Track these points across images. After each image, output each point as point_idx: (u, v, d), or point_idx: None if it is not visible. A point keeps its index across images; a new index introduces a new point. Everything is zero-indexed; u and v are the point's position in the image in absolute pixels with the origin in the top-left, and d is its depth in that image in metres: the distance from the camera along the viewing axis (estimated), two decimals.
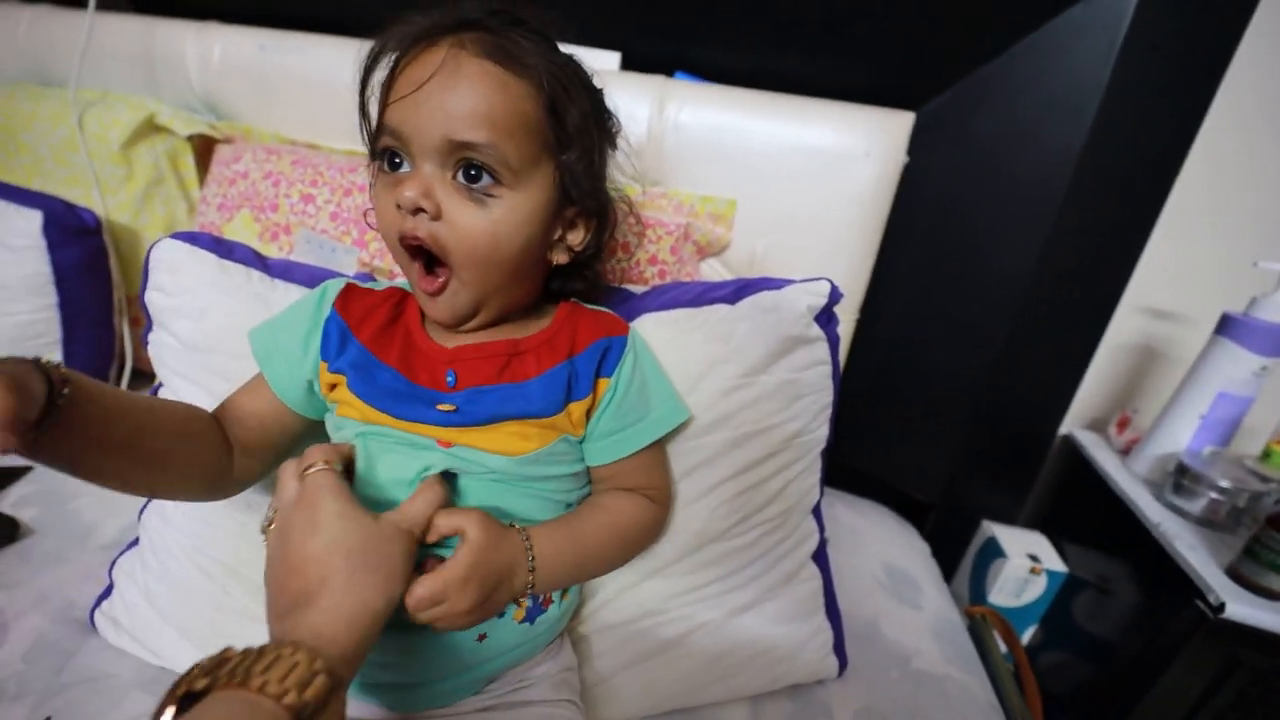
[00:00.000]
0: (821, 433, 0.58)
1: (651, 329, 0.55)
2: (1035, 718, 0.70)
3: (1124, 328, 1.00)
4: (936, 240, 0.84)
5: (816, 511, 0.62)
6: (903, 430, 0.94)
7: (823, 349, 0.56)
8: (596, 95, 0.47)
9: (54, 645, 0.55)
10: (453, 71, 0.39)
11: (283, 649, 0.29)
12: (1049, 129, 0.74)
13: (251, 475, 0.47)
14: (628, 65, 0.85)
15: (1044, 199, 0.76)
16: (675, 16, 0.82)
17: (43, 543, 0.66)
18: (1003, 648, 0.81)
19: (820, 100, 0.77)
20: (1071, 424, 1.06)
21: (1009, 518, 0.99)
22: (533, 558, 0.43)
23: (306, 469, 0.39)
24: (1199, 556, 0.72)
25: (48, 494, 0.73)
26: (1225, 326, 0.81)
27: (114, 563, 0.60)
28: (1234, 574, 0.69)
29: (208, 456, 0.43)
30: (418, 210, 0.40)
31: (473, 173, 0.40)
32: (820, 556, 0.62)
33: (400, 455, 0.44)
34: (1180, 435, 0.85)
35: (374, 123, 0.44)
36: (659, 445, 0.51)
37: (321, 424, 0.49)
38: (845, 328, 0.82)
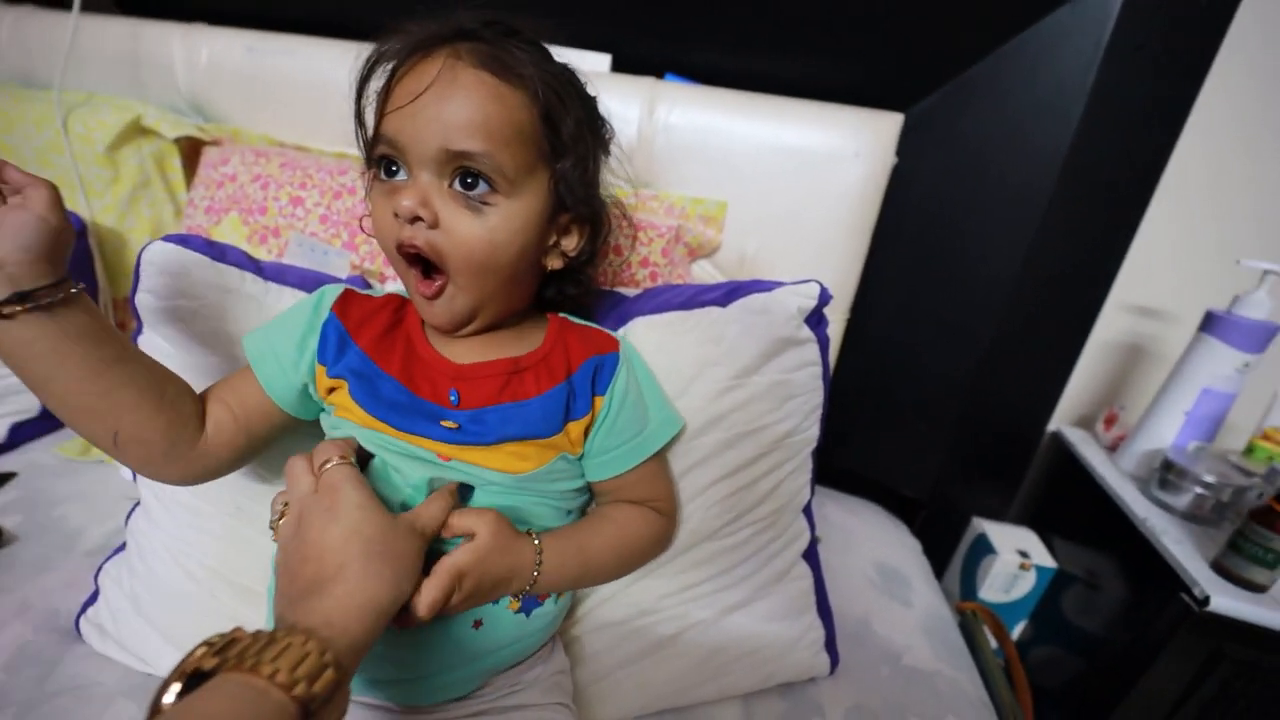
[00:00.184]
0: (812, 433, 0.58)
1: (644, 332, 0.55)
2: (1026, 712, 0.71)
3: (1110, 326, 1.01)
4: (925, 240, 0.84)
5: (807, 511, 0.62)
6: (893, 429, 0.94)
7: (813, 350, 0.56)
8: (590, 103, 0.48)
9: (37, 654, 0.54)
10: (449, 82, 0.39)
11: (294, 636, 0.29)
12: (1036, 130, 0.75)
13: (216, 459, 0.44)
14: (618, 67, 0.85)
15: (1031, 199, 0.77)
16: (665, 18, 0.83)
17: (26, 549, 0.65)
18: (993, 643, 0.81)
19: (810, 101, 0.77)
20: (1060, 421, 1.07)
21: (999, 514, 1.00)
22: (539, 565, 0.44)
23: (324, 464, 0.39)
24: (1184, 550, 0.73)
25: (31, 500, 0.72)
26: (1209, 324, 0.82)
27: (100, 568, 0.59)
28: (1218, 567, 0.70)
29: (172, 414, 0.41)
30: (415, 219, 0.41)
31: (469, 181, 0.41)
32: (811, 555, 0.63)
33: (397, 464, 0.44)
34: (1166, 431, 0.86)
35: (370, 130, 0.44)
36: (660, 456, 0.52)
37: (304, 422, 0.49)
38: (835, 328, 0.82)
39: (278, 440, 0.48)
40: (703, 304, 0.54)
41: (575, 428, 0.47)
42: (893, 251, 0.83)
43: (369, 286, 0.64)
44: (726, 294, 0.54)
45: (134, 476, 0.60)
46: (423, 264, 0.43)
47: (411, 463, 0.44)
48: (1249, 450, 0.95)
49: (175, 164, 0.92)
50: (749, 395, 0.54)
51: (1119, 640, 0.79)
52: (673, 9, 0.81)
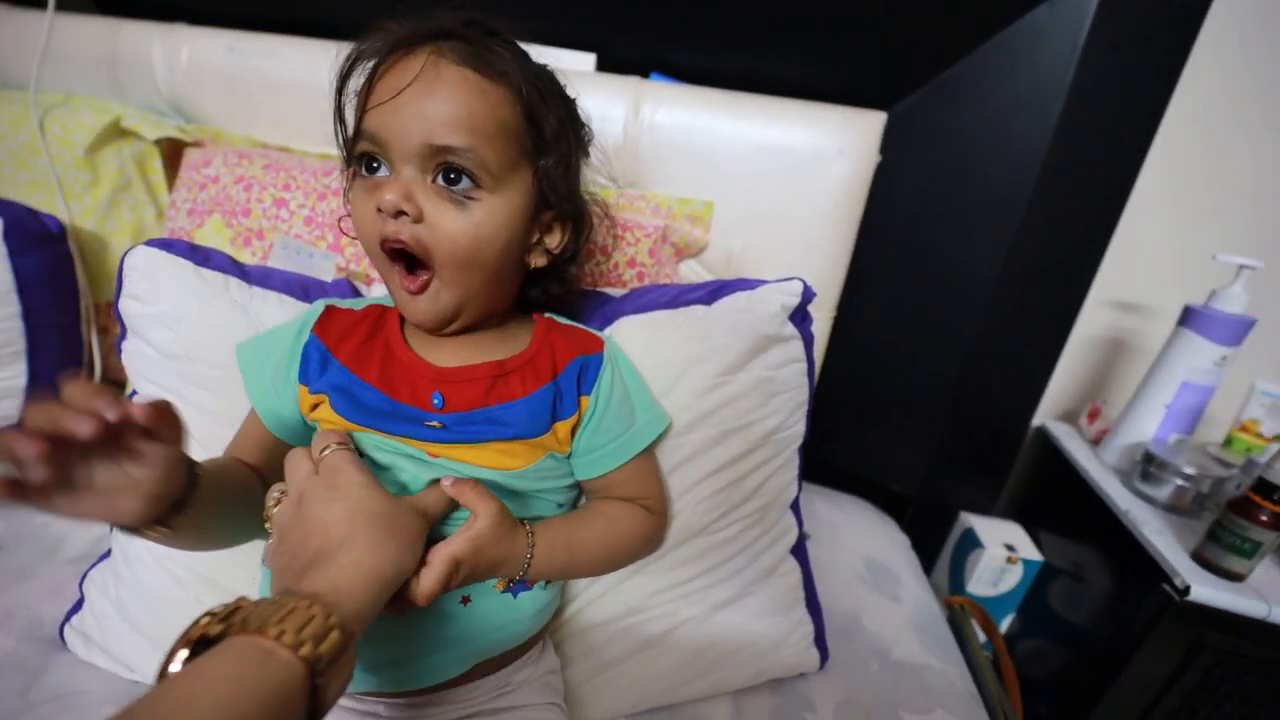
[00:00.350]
0: (798, 429, 0.59)
1: (630, 331, 0.55)
2: (1014, 705, 0.72)
3: (1092, 321, 1.03)
4: (910, 238, 0.85)
5: (795, 507, 0.63)
6: (881, 425, 0.95)
7: (797, 347, 0.57)
8: (570, 104, 0.48)
9: (20, 664, 0.53)
10: (432, 78, 0.39)
11: (299, 600, 0.30)
12: (1016, 128, 0.76)
13: None
14: (603, 66, 0.85)
15: (1012, 197, 0.78)
16: (650, 18, 0.83)
17: (8, 558, 0.64)
18: (982, 637, 0.82)
19: (794, 100, 0.78)
20: (1044, 416, 1.08)
21: (986, 509, 1.01)
22: (530, 557, 0.44)
23: (323, 449, 0.40)
24: (1165, 541, 0.74)
25: (12, 508, 0.71)
26: (1187, 318, 0.84)
27: (85, 575, 0.58)
28: (1198, 557, 0.71)
29: (256, 496, 0.45)
30: (399, 213, 0.40)
31: (452, 176, 0.41)
32: (799, 551, 0.63)
33: (390, 461, 0.44)
34: (1147, 424, 0.88)
35: (350, 128, 0.44)
36: (648, 454, 0.52)
37: None
38: (822, 325, 0.83)
39: None
40: (688, 303, 0.55)
41: (562, 427, 0.47)
42: (878, 249, 0.84)
43: (355, 290, 0.64)
44: (711, 293, 0.55)
45: None
46: (406, 260, 0.43)
47: (404, 460, 0.44)
48: (1227, 442, 0.97)
49: (156, 166, 0.91)
50: (735, 392, 0.54)
51: (1104, 631, 0.80)
52: (657, 9, 0.81)
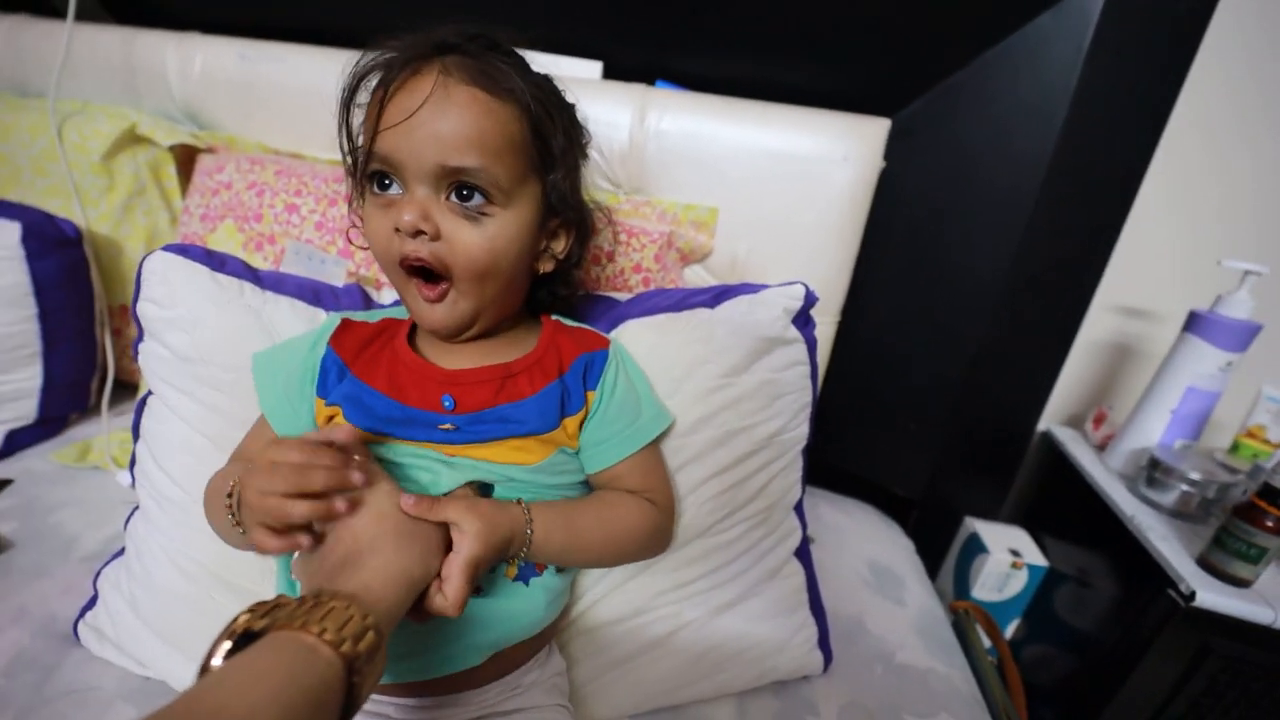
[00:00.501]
0: (801, 431, 0.59)
1: (635, 334, 0.56)
2: (1019, 710, 0.71)
3: (1098, 326, 1.03)
4: (915, 244, 0.86)
5: (799, 509, 0.63)
6: (886, 429, 0.95)
7: (800, 350, 0.57)
8: (570, 110, 0.50)
9: (35, 659, 0.54)
10: (442, 99, 0.40)
11: (337, 600, 0.31)
12: (1021, 133, 0.76)
13: None
14: (609, 74, 0.87)
15: (1017, 202, 0.78)
16: (656, 26, 0.84)
17: (23, 556, 0.65)
18: (987, 642, 0.82)
19: (799, 107, 0.78)
20: (1050, 421, 1.08)
21: (991, 513, 1.01)
22: (530, 528, 0.44)
23: None
24: (1171, 547, 0.74)
25: (27, 507, 0.72)
26: (1192, 323, 0.84)
27: (99, 573, 0.59)
28: (1204, 563, 0.71)
29: None
30: (418, 233, 0.42)
31: (465, 193, 0.42)
32: (803, 553, 0.64)
33: (405, 467, 0.45)
34: (1152, 430, 0.87)
35: (357, 142, 0.45)
36: (653, 451, 0.52)
37: None
38: (827, 330, 0.83)
39: None
40: (692, 306, 0.55)
41: (571, 423, 0.48)
42: (883, 254, 0.85)
43: (365, 295, 0.65)
44: (715, 296, 0.55)
45: (132, 483, 0.60)
46: (424, 272, 0.44)
47: (423, 460, 0.45)
48: (1234, 448, 0.96)
49: (170, 172, 0.93)
50: (739, 394, 0.55)
51: (1109, 637, 0.79)
52: (663, 17, 0.82)
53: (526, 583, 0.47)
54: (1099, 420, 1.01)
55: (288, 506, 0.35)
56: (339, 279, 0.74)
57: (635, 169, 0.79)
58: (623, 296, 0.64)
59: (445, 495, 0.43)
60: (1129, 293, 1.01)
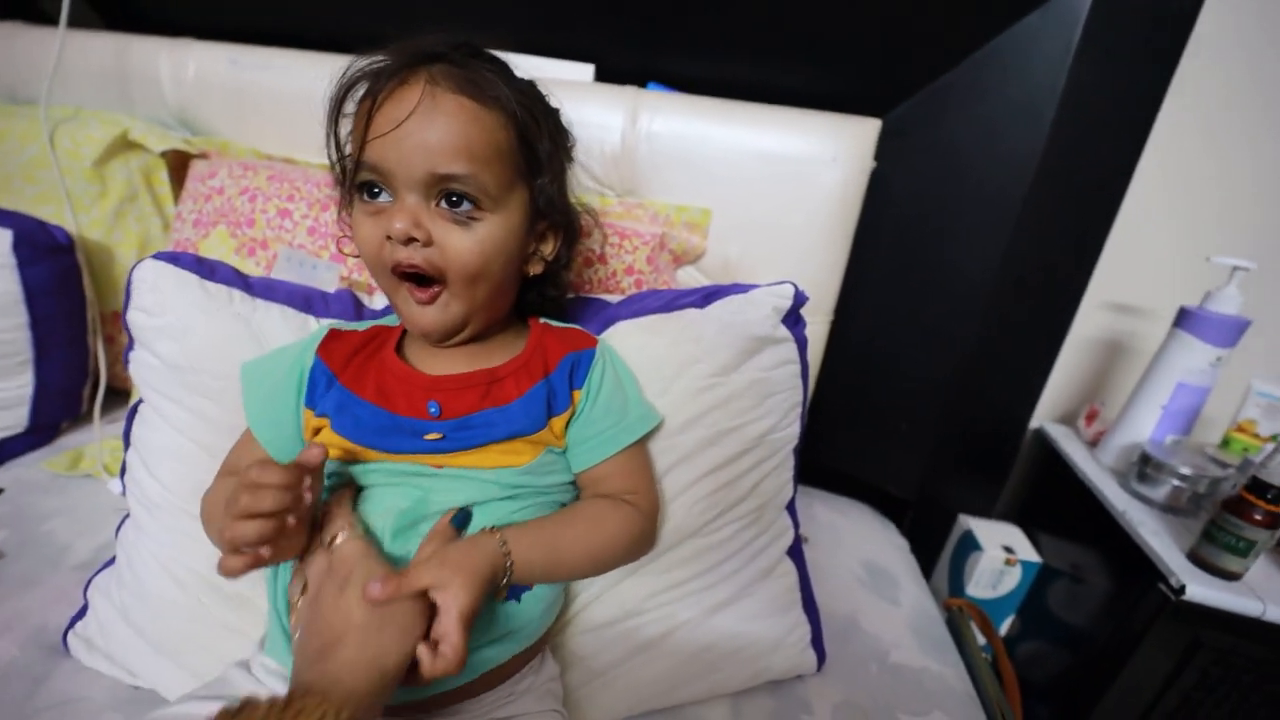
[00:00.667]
0: (792, 430, 0.60)
1: (626, 334, 0.56)
2: (1014, 707, 0.72)
3: (1089, 323, 1.03)
4: (906, 243, 0.86)
5: (791, 508, 0.63)
6: (879, 428, 0.96)
7: (790, 349, 0.57)
8: (555, 114, 0.50)
9: (24, 670, 0.54)
10: (430, 108, 0.41)
11: (309, 699, 0.32)
12: (1010, 133, 0.77)
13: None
14: (601, 76, 0.87)
15: (1007, 201, 0.79)
16: (647, 28, 0.84)
17: (13, 565, 0.65)
18: (981, 639, 0.83)
19: (790, 108, 0.79)
20: (1042, 418, 1.09)
21: (985, 511, 1.01)
22: (510, 562, 0.43)
23: (332, 540, 0.41)
24: (1161, 542, 0.75)
25: (18, 515, 0.72)
26: (1182, 320, 0.84)
27: (89, 582, 0.59)
28: (1194, 557, 0.72)
29: None
30: (410, 240, 0.42)
31: (454, 199, 0.43)
32: (795, 552, 0.64)
33: (393, 486, 0.45)
34: (1144, 425, 0.88)
35: (344, 151, 0.46)
36: (639, 451, 0.52)
37: None
38: (819, 329, 0.83)
39: None
40: (682, 306, 0.56)
41: (558, 422, 0.48)
42: (874, 254, 0.85)
43: (357, 300, 0.65)
44: (705, 297, 0.56)
45: (123, 490, 0.60)
46: (416, 277, 0.44)
47: (410, 477, 0.45)
48: (1224, 443, 0.97)
49: (163, 177, 0.92)
50: (729, 393, 0.55)
51: (1102, 632, 0.80)
52: (654, 19, 0.82)
53: (518, 599, 0.47)
54: (1091, 417, 1.01)
55: (238, 528, 0.37)
56: (331, 284, 0.74)
57: (627, 171, 0.80)
58: (614, 298, 0.64)
59: (416, 550, 0.42)
60: (1120, 290, 1.02)
